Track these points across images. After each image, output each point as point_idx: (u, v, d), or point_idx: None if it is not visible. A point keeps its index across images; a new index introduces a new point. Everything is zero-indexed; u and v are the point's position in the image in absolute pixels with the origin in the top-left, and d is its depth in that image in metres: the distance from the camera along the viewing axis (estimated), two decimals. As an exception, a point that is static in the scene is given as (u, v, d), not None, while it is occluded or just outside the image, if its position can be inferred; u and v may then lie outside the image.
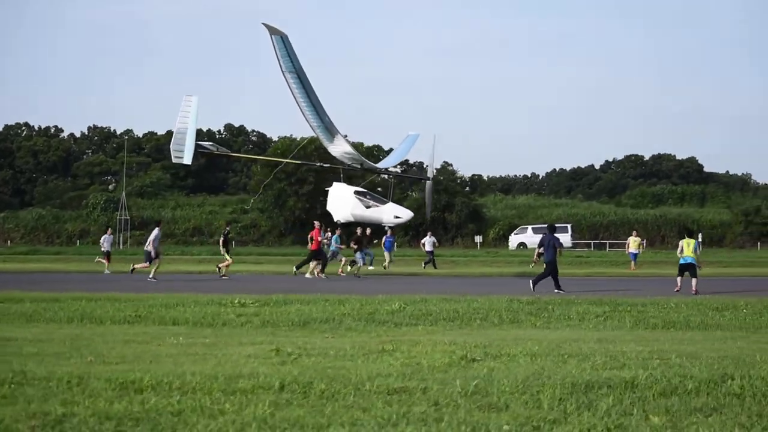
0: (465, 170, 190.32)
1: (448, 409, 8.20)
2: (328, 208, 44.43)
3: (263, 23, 37.92)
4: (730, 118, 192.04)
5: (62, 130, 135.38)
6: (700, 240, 29.25)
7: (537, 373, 10.11)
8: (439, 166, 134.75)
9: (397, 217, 44.12)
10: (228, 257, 38.31)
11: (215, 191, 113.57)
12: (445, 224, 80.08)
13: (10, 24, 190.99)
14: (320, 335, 14.69)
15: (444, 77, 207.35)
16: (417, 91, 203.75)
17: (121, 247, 74.29)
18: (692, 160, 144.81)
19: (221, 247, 39.60)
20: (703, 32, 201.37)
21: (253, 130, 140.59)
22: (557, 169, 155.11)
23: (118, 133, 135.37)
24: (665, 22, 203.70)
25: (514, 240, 72.95)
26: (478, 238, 75.43)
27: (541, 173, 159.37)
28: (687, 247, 29.12)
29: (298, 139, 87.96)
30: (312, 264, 36.93)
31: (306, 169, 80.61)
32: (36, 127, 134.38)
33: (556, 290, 26.77)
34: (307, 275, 36.39)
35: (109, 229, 46.91)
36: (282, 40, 37.56)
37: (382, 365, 10.83)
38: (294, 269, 37.91)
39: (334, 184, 46.71)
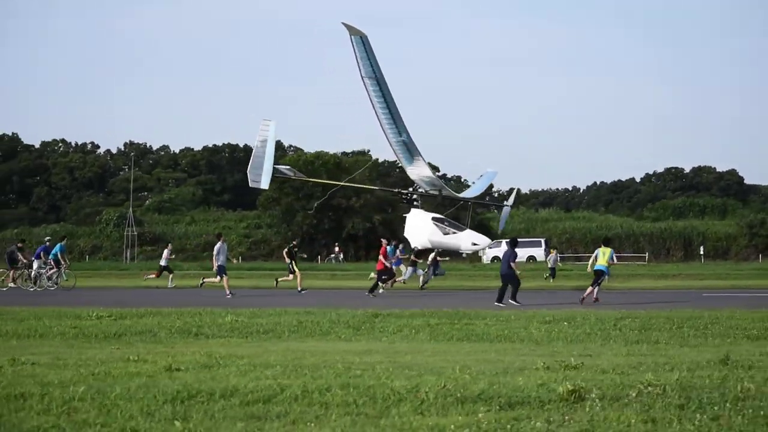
0: (504, 183, 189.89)
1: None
2: (406, 233, 44.44)
3: (343, 23, 37.77)
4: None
5: (98, 146, 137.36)
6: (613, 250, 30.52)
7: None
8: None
9: (474, 244, 44.29)
10: (294, 271, 39.09)
11: (252, 207, 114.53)
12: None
13: (46, 41, 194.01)
14: (110, 348, 15.48)
15: (482, 86, 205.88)
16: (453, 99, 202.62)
17: (127, 262, 75.10)
18: (733, 173, 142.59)
19: (287, 259, 40.13)
20: (742, 42, 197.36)
21: (290, 146, 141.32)
22: (598, 183, 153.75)
23: (155, 148, 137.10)
24: (705, 32, 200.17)
25: (489, 253, 72.12)
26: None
27: (582, 186, 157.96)
28: (602, 256, 29.89)
29: (331, 153, 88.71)
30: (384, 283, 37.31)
31: (313, 184, 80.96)
32: (73, 144, 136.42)
33: (496, 303, 27.54)
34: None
35: (170, 244, 47.89)
36: (362, 41, 37.48)
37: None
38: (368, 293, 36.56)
39: (412, 210, 46.62)
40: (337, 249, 79.37)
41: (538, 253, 72.01)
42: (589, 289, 29.54)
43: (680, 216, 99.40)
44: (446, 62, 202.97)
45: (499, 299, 27.99)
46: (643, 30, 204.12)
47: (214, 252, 36.05)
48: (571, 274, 51.48)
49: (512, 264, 28.95)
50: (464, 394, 9.83)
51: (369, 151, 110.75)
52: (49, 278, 40.44)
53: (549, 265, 49.22)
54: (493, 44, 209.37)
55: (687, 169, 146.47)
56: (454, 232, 43.82)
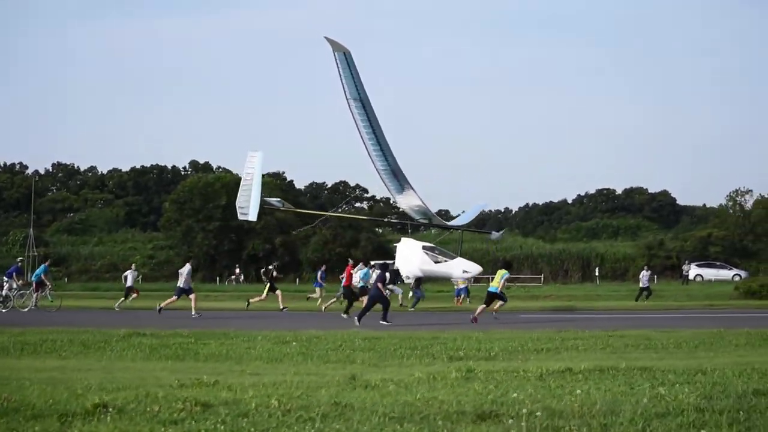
0: (434, 205, 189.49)
1: None
2: (397, 263, 44.34)
3: (326, 37, 36.48)
4: (700, 148, 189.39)
5: (26, 167, 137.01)
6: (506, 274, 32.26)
7: None
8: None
9: (465, 272, 44.39)
10: (264, 294, 39.46)
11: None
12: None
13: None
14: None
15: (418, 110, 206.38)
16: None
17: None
18: (665, 194, 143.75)
19: (266, 280, 40.39)
20: (673, 64, 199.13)
21: (219, 167, 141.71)
22: (530, 204, 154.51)
23: (82, 169, 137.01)
24: (638, 54, 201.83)
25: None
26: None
27: (515, 208, 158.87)
28: (496, 278, 31.46)
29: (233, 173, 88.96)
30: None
31: (213, 206, 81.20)
32: (0, 164, 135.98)
33: (381, 322, 28.84)
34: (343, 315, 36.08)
35: (133, 264, 46.74)
36: (345, 58, 36.40)
37: None
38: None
39: (402, 239, 47.16)
40: (237, 271, 79.61)
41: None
42: (480, 307, 31.01)
43: (593, 237, 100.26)
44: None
45: (384, 317, 29.43)
46: (576, 50, 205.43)
47: (184, 273, 36.07)
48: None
49: (379, 285, 30.16)
50: None
51: (284, 172, 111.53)
52: (21, 297, 39.97)
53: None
54: (424, 65, 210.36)
55: (619, 191, 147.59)
56: (446, 260, 44.20)
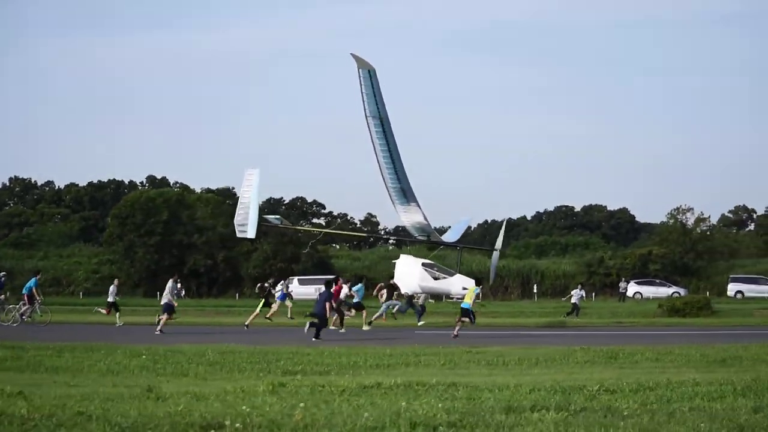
0: (390, 222, 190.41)
1: None
2: (396, 279, 44.45)
3: (352, 54, 36.86)
4: (658, 166, 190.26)
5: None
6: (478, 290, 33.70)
7: None
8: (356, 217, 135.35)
9: (465, 288, 44.24)
10: (258, 309, 38.76)
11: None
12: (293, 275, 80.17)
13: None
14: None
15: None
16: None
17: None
18: (624, 211, 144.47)
19: (263, 296, 40.05)
20: (631, 80, 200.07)
21: (177, 182, 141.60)
22: (489, 221, 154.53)
23: (39, 184, 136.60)
24: (597, 70, 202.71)
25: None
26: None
27: (474, 225, 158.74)
28: (468, 294, 33.38)
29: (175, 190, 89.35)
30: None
31: (155, 221, 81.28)
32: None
33: (314, 339, 29.27)
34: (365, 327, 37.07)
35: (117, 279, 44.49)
36: (369, 75, 36.70)
37: None
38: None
39: (401, 256, 47.81)
40: (179, 286, 79.51)
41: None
42: (458, 326, 32.24)
43: (542, 254, 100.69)
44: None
45: (317, 335, 29.88)
46: (537, 69, 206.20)
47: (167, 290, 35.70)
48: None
49: (327, 304, 31.22)
50: None
51: (233, 188, 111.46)
52: (9, 311, 39.59)
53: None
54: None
55: (578, 208, 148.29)
56: (445, 277, 44.57)
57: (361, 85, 36.98)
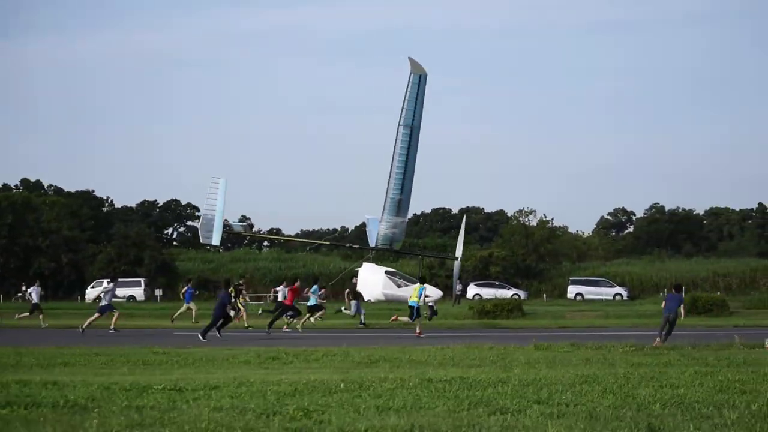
0: (265, 224, 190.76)
1: None
2: (359, 288, 44.51)
3: (409, 58, 38.49)
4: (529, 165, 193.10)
5: None
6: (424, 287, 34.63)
7: None
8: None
9: (427, 296, 44.58)
10: (238, 309, 38.91)
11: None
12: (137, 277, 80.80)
13: None
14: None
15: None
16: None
17: None
18: (501, 213, 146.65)
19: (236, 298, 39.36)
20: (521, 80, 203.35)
21: (51, 185, 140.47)
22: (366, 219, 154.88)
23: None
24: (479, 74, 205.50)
25: (90, 293, 72.22)
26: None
27: (351, 226, 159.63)
28: (413, 292, 34.24)
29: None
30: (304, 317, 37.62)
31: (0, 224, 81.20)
32: None
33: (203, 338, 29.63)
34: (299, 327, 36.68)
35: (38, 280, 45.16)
36: (419, 80, 38.32)
37: None
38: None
39: (364, 264, 48.92)
40: (24, 288, 79.58)
41: (138, 292, 74.53)
42: (418, 328, 33.30)
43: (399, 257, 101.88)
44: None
45: (203, 333, 30.38)
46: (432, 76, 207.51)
47: (103, 290, 36.32)
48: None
49: (228, 305, 32.29)
50: None
51: (93, 191, 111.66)
52: None
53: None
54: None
55: (455, 210, 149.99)
56: (407, 285, 45.55)
57: (407, 91, 38.53)
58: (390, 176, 42.26)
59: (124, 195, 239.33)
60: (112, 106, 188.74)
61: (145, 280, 77.22)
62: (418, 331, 32.88)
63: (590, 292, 78.14)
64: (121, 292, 63.00)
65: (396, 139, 40.43)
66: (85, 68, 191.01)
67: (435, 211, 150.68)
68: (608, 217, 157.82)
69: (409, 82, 38.72)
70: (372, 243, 51.07)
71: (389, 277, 46.79)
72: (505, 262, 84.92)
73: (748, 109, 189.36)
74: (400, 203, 43.44)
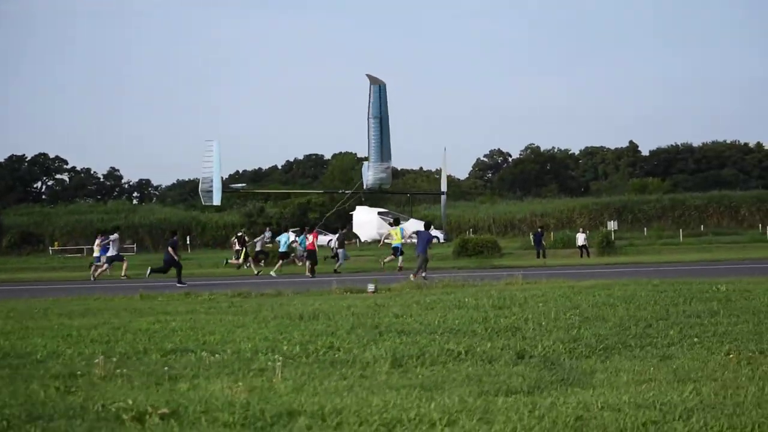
0: (133, 174, 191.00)
1: None
2: (354, 229, 47.79)
3: (367, 74, 43.35)
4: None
5: None
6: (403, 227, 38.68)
7: None
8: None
9: (416, 233, 46.77)
10: (234, 257, 41.09)
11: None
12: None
13: None
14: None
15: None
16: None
17: None
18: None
19: (238, 246, 41.01)
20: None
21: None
22: (241, 171, 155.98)
23: None
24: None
25: None
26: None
27: (225, 175, 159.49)
28: (396, 235, 37.33)
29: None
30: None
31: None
32: None
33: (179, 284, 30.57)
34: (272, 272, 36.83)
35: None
36: (379, 89, 43.45)
37: None
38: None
39: (357, 207, 51.24)
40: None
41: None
42: (400, 258, 36.69)
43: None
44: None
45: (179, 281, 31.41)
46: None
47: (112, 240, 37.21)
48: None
49: (170, 250, 33.01)
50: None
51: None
52: None
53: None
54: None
55: (327, 156, 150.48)
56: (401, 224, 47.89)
57: (370, 95, 43.98)
58: (369, 153, 46.81)
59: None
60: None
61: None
62: (399, 264, 36.01)
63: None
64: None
65: (368, 128, 45.76)
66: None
67: (307, 157, 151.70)
68: (484, 159, 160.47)
69: (370, 91, 43.76)
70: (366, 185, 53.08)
71: (382, 218, 49.72)
72: (323, 208, 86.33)
73: (623, 52, 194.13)
74: (384, 155, 46.91)
